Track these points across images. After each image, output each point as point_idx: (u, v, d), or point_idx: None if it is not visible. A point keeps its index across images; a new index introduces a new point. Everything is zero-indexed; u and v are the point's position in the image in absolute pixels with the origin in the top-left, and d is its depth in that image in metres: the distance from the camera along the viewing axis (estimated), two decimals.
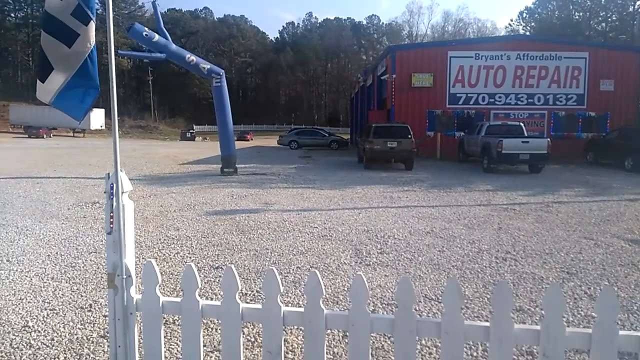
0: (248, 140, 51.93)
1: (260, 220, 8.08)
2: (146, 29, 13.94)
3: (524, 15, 69.30)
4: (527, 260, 5.91)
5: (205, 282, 4.91)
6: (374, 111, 28.11)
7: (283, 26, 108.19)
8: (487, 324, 2.17)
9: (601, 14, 56.24)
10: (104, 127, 55.25)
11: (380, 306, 4.35)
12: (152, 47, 13.97)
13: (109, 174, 2.57)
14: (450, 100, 23.99)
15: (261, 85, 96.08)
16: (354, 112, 45.92)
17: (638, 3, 49.65)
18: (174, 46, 14.46)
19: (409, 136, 17.16)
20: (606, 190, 12.54)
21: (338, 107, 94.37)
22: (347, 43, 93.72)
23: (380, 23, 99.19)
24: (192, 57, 14.81)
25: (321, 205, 9.73)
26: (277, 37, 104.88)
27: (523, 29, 67.16)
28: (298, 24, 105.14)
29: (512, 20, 72.62)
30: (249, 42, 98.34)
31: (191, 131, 58.39)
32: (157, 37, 13.78)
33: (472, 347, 3.49)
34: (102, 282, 4.82)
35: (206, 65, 14.90)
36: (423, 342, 3.54)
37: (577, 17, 58.60)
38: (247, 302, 4.28)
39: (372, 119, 24.20)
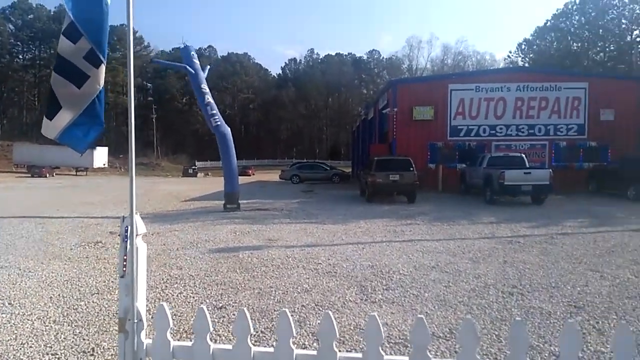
0: (250, 175, 52.11)
1: (263, 257, 8.04)
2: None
3: (523, 47, 70.57)
4: (534, 295, 5.84)
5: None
6: (376, 144, 28.32)
7: (285, 62, 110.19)
8: None
9: (599, 44, 57.22)
10: (106, 165, 55.64)
11: (388, 345, 4.28)
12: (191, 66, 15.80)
13: (124, 216, 2.60)
14: (452, 132, 24.19)
15: (263, 121, 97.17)
16: (355, 146, 46.26)
17: (635, 33, 50.62)
18: (202, 73, 15.94)
19: (411, 169, 17.23)
20: (610, 220, 12.48)
21: (339, 140, 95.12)
22: (348, 78, 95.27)
23: (381, 57, 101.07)
24: (209, 99, 15.50)
25: (325, 241, 9.69)
26: (279, 73, 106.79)
27: (522, 61, 68.28)
28: (300, 60, 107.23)
29: (510, 52, 73.91)
30: (252, 79, 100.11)
31: (193, 167, 58.78)
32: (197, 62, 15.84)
33: None
34: (104, 325, 4.77)
35: (217, 120, 15.31)
36: None
37: (575, 47, 59.59)
38: (256, 345, 4.23)
39: (374, 152, 24.36)
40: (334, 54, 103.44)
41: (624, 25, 53.57)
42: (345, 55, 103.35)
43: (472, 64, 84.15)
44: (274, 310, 5.18)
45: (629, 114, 23.40)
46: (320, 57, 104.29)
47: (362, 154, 37.11)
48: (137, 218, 2.55)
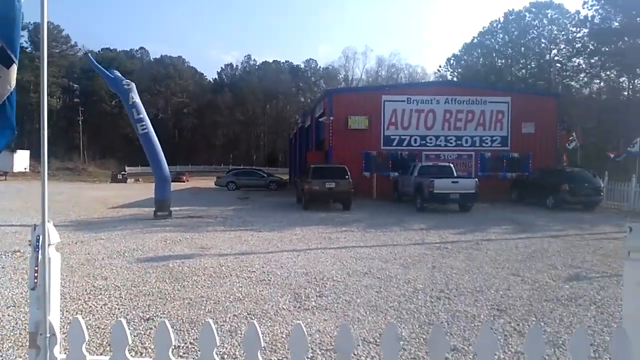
0: (184, 182, 50.65)
1: (195, 266, 7.82)
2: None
3: (451, 62, 74.02)
4: (459, 299, 6.08)
5: (135, 336, 4.64)
6: (313, 152, 28.53)
7: (221, 67, 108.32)
8: None
9: (521, 62, 61.10)
10: (28, 170, 52.04)
11: (319, 352, 4.28)
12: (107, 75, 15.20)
13: (35, 225, 2.42)
14: (385, 142, 24.85)
15: (198, 126, 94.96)
16: (292, 153, 46.37)
17: (554, 52, 54.45)
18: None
19: (347, 177, 17.50)
20: (531, 227, 13.30)
21: (277, 147, 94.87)
22: (285, 85, 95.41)
23: (318, 67, 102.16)
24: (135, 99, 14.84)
25: (260, 248, 9.59)
26: (215, 78, 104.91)
27: (451, 75, 71.54)
28: (237, 65, 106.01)
29: (440, 67, 77.00)
30: (186, 83, 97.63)
31: (123, 173, 56.27)
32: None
33: None
34: (20, 339, 4.43)
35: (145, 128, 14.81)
36: None
37: (499, 64, 63.27)
38: (181, 357, 4.09)
39: (311, 159, 24.52)
40: (271, 61, 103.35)
41: (543, 45, 57.68)
42: (283, 62, 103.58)
43: (405, 76, 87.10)
44: (205, 321, 5.04)
45: (548, 127, 25.15)
46: (258, 63, 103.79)
47: (299, 162, 37.24)
48: (49, 226, 2.39)
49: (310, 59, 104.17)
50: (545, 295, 6.38)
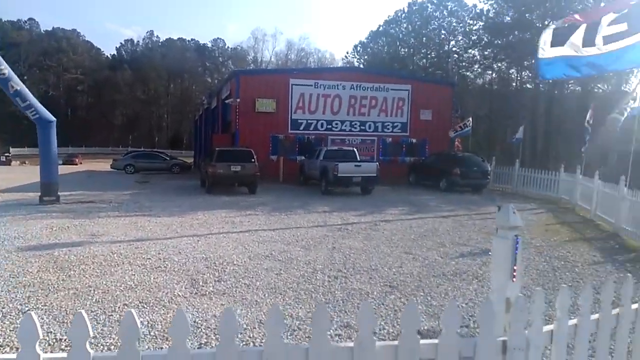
0: (76, 164, 47.01)
1: (83, 254, 7.32)
2: None
3: (358, 48, 75.72)
4: (355, 277, 6.31)
5: (10, 330, 4.26)
6: (219, 135, 27.83)
7: (121, 43, 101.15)
8: (308, 345, 2.23)
9: (422, 51, 64.02)
10: None
11: (214, 337, 4.22)
12: None
13: None
14: (292, 125, 24.92)
15: (94, 104, 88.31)
16: (197, 135, 44.88)
17: (452, 43, 57.60)
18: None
19: (253, 160, 17.31)
20: (425, 208, 14.13)
21: (181, 129, 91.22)
22: (191, 64, 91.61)
23: (226, 47, 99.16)
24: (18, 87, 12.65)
25: (157, 234, 9.21)
26: (114, 54, 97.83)
27: (357, 61, 73.22)
28: (138, 41, 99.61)
29: (347, 53, 78.55)
30: (81, 58, 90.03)
31: (6, 154, 51.08)
32: None
33: None
34: None
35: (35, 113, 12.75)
36: None
37: (403, 52, 65.82)
38: (53, 352, 3.80)
39: (217, 142, 23.90)
40: (176, 38, 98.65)
41: (443, 36, 60.91)
42: (189, 40, 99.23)
43: (314, 60, 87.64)
44: (91, 312, 4.75)
45: (444, 114, 26.74)
46: (161, 40, 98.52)
47: (204, 144, 36.16)
48: None
49: (218, 38, 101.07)
50: (433, 271, 6.83)
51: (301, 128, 25.05)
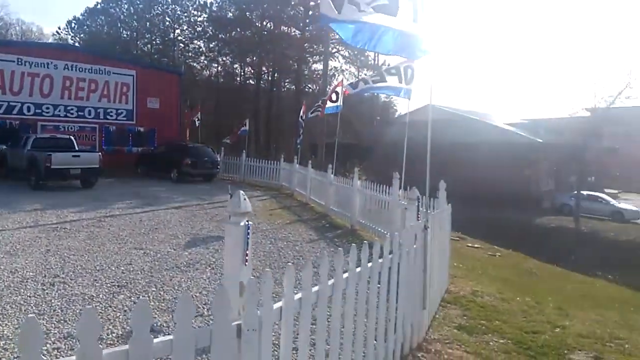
0: None
1: None
2: None
3: (73, 25, 67.34)
4: (77, 281, 5.64)
5: None
6: None
7: None
8: None
9: (147, 36, 61.05)
10: None
11: None
12: None
13: None
14: None
15: None
16: None
17: (177, 32, 56.65)
18: None
19: None
20: (156, 200, 13.63)
21: None
22: None
23: None
24: None
25: None
26: None
27: (72, 39, 64.97)
28: None
29: (60, 29, 68.77)
30: None
31: None
32: None
33: None
34: None
35: None
36: None
37: (125, 35, 61.40)
38: None
39: None
40: None
41: (168, 23, 59.39)
42: None
43: (17, 33, 74.01)
44: None
45: (172, 102, 26.23)
46: None
47: None
48: None
49: None
50: (166, 264, 6.65)
51: (1, 111, 20.91)
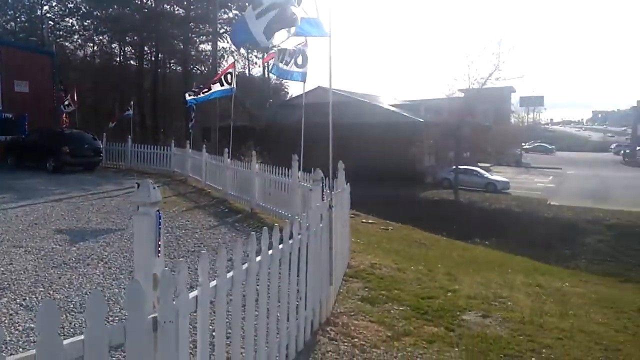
0: None
1: None
2: None
3: None
4: None
5: None
6: None
7: None
8: None
9: (10, 13, 54.22)
10: None
11: None
12: None
13: None
14: None
15: None
16: None
17: (45, 8, 50.97)
18: None
19: None
20: (32, 193, 12.36)
21: None
22: None
23: None
24: None
25: None
26: None
27: None
28: None
29: None
30: None
31: None
32: None
33: None
34: None
35: None
36: None
37: None
38: None
39: None
40: None
41: None
42: None
43: None
44: None
45: (44, 86, 23.76)
46: None
47: None
48: None
49: None
50: (52, 261, 6.14)
51: None
